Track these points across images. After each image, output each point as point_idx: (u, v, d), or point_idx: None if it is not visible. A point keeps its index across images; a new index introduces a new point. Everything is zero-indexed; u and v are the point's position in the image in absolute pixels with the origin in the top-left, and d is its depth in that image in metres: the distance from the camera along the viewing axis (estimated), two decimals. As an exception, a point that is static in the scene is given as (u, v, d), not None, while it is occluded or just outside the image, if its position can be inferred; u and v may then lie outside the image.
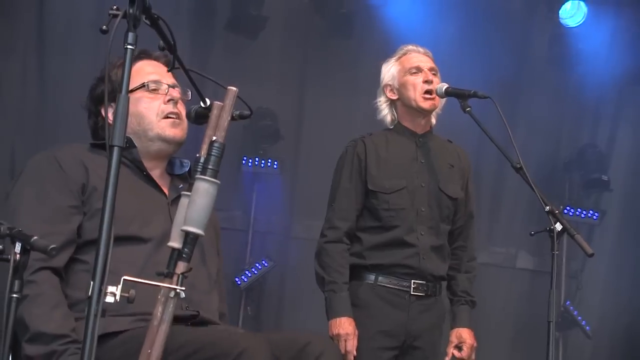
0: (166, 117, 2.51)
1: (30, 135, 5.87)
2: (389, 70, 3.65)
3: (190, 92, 2.57)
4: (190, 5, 6.27)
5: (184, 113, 2.54)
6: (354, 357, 3.34)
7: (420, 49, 3.67)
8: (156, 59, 2.60)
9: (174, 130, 2.52)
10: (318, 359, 2.22)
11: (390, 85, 3.62)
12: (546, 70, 6.65)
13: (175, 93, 2.56)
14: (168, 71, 2.49)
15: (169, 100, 2.54)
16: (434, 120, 3.66)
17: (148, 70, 2.57)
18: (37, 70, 5.97)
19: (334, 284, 3.40)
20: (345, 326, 3.34)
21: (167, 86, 2.55)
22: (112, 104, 2.22)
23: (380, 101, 3.68)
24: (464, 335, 3.50)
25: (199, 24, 6.26)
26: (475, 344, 3.52)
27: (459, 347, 3.49)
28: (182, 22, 6.07)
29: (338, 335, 3.33)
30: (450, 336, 3.52)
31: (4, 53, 5.91)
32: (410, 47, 3.68)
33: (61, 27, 6.04)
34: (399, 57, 3.66)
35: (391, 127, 3.65)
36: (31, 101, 5.96)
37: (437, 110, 3.61)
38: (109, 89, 2.13)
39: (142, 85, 2.53)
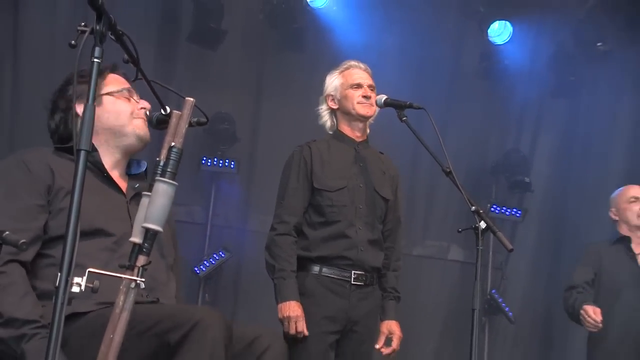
0: (139, 117, 2.54)
1: (5, 136, 5.81)
2: (332, 82, 3.69)
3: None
4: (156, 18, 6.25)
5: None
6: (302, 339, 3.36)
7: (362, 65, 3.72)
8: (123, 75, 2.63)
9: (146, 130, 2.55)
10: (265, 352, 2.23)
11: (332, 95, 3.67)
12: (476, 83, 6.72)
13: (146, 104, 2.58)
14: (131, 82, 2.49)
15: (141, 108, 2.56)
16: (368, 130, 3.71)
17: (121, 81, 2.59)
18: (12, 75, 5.90)
19: (283, 271, 3.42)
20: (294, 309, 3.37)
21: (138, 96, 2.59)
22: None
23: (322, 109, 3.73)
24: (393, 327, 3.56)
25: (164, 35, 6.24)
26: (401, 335, 3.57)
27: (389, 339, 3.54)
28: (149, 34, 6.04)
29: (288, 317, 3.35)
30: (381, 327, 3.57)
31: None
32: (352, 62, 3.73)
33: (35, 36, 5.97)
34: (342, 71, 3.70)
35: (330, 133, 3.70)
36: (6, 103, 5.89)
37: (370, 120, 3.68)
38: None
39: (121, 90, 2.55)
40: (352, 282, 3.48)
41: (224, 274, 6.33)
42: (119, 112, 2.52)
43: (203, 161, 6.23)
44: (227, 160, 6.28)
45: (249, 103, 6.54)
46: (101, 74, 2.50)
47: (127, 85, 2.57)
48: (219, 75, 6.31)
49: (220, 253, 6.21)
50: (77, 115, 2.36)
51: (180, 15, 6.32)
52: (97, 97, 2.47)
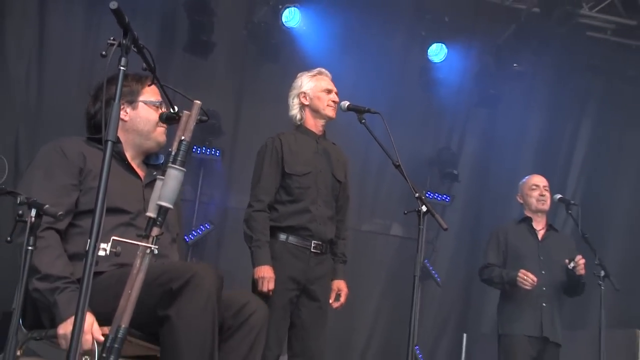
0: (162, 126, 2.52)
1: (31, 123, 5.74)
2: (307, 82, 3.68)
3: None
4: (157, 32, 6.22)
5: None
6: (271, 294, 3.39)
7: (328, 74, 3.73)
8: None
9: (164, 137, 2.54)
10: (252, 315, 2.25)
11: (305, 93, 3.66)
12: (417, 94, 6.78)
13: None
14: (148, 86, 2.49)
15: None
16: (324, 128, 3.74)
17: (156, 93, 2.55)
18: (38, 73, 5.81)
19: (259, 241, 3.43)
20: (267, 271, 3.38)
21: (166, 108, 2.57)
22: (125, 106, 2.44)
23: (294, 102, 3.71)
24: (341, 285, 3.60)
25: (163, 46, 6.19)
26: (347, 292, 3.62)
27: (338, 295, 3.59)
28: (150, 45, 5.97)
29: (262, 277, 3.36)
30: (332, 285, 3.60)
31: (13, 59, 5.76)
32: (323, 70, 3.74)
33: (57, 40, 5.91)
34: (315, 75, 3.70)
35: (298, 124, 3.70)
36: (32, 97, 5.81)
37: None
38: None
39: (155, 102, 2.52)
40: (312, 250, 3.50)
41: (208, 242, 6.34)
42: (148, 119, 2.49)
43: (194, 150, 6.20)
44: (213, 149, 6.27)
45: (232, 103, 6.52)
46: (141, 82, 2.50)
47: (159, 98, 2.53)
48: (208, 80, 6.29)
49: (206, 225, 6.21)
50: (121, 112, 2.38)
51: (177, 30, 6.29)
52: (134, 102, 2.48)
